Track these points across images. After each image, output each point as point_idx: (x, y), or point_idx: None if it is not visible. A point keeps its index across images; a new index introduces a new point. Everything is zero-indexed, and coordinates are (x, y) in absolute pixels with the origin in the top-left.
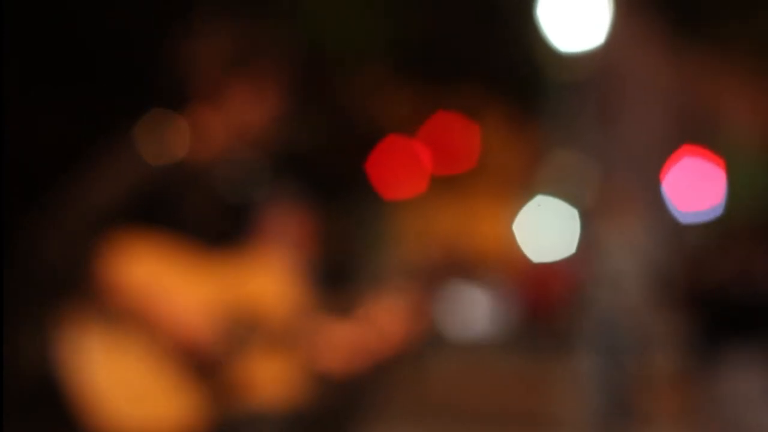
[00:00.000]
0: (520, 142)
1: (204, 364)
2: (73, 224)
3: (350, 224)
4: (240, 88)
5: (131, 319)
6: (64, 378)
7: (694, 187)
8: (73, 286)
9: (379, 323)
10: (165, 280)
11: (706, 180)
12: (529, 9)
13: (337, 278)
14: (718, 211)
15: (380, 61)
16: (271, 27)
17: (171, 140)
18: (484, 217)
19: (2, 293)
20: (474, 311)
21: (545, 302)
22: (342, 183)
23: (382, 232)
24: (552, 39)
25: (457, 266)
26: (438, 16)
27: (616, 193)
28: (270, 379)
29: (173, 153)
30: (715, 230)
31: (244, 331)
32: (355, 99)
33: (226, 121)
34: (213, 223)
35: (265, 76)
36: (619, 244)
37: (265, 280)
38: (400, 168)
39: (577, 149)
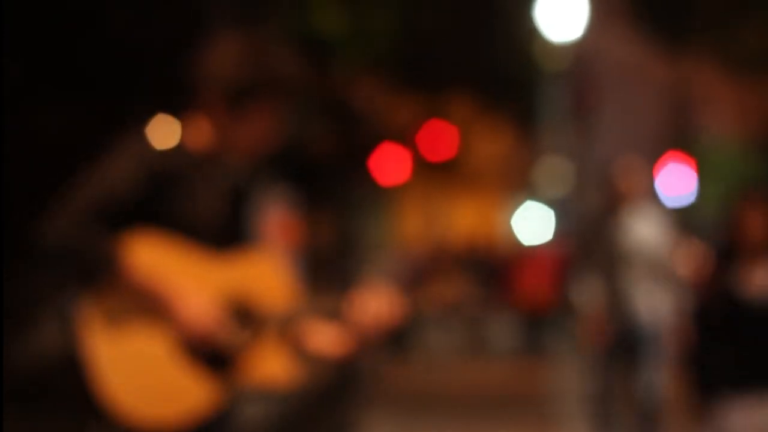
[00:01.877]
0: (513, 147)
1: (211, 348)
2: (82, 205)
3: (348, 221)
4: (246, 104)
5: (141, 303)
6: (80, 366)
7: (675, 180)
8: (84, 269)
9: (365, 313)
10: (170, 270)
11: (683, 175)
12: (521, 5)
13: (331, 269)
14: (693, 198)
15: (379, 69)
16: (277, 39)
17: (174, 137)
18: (476, 214)
19: (2, 292)
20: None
21: (537, 294)
22: (338, 183)
23: (378, 228)
24: (545, 30)
25: (448, 259)
26: (431, 21)
27: (631, 179)
28: (268, 364)
29: (177, 142)
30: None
31: (244, 319)
32: (356, 105)
33: (228, 133)
34: (212, 212)
35: (270, 93)
36: (646, 230)
37: (262, 271)
38: (393, 169)
39: (571, 145)
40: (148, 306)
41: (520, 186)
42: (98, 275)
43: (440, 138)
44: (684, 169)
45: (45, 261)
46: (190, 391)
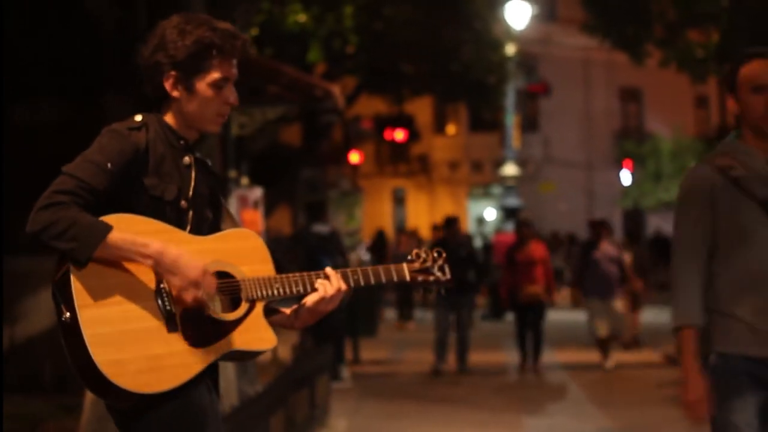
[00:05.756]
0: (477, 145)
1: (200, 310)
2: (66, 189)
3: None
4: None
5: (132, 271)
6: (73, 343)
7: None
8: (83, 239)
9: (330, 284)
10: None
11: (625, 173)
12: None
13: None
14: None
15: (345, 64)
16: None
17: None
18: (443, 206)
19: (2, 290)
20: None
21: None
22: (305, 174)
23: (349, 219)
24: (508, 17)
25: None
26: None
27: None
28: (249, 331)
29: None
30: None
31: (223, 285)
32: (322, 98)
33: (184, 106)
34: (187, 193)
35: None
36: None
37: (240, 247)
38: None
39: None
40: (141, 270)
41: (485, 177)
42: (96, 244)
43: (401, 128)
44: (623, 170)
45: (41, 242)
46: (179, 361)
